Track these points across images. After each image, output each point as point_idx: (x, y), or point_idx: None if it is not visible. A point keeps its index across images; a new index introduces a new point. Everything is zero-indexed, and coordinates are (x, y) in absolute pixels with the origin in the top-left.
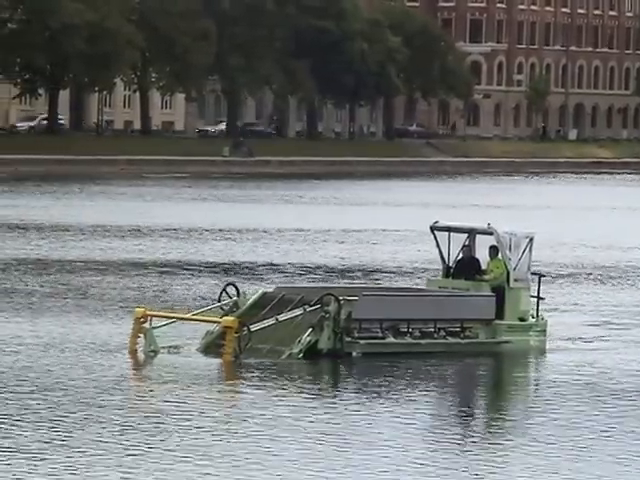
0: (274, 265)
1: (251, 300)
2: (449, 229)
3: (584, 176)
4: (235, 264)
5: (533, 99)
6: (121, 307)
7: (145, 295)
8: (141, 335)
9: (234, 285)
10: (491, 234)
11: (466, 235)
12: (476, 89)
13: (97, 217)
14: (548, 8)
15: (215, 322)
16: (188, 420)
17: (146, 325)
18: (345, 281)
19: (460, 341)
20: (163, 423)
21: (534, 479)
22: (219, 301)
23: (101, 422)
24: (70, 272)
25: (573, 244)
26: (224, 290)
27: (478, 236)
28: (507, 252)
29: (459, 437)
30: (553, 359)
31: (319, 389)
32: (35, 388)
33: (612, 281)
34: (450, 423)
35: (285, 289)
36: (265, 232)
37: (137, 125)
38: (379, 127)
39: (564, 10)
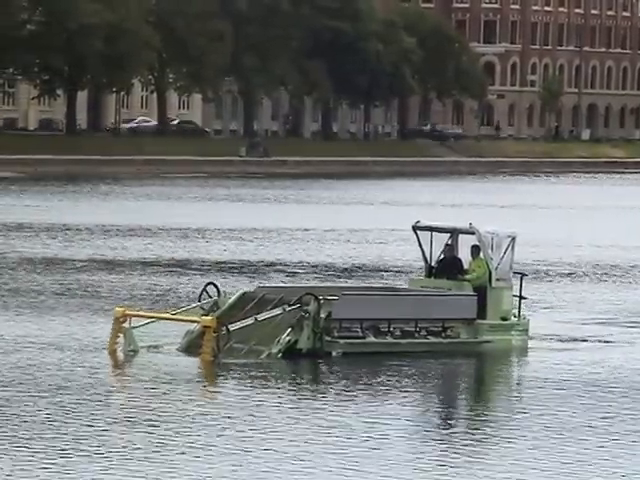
0: (280, 264)
1: (231, 300)
2: (431, 229)
3: (596, 175)
4: (242, 263)
5: (546, 99)
6: (127, 306)
7: (152, 294)
8: (121, 335)
9: (214, 285)
10: (473, 234)
11: (448, 235)
12: (490, 89)
13: (106, 217)
14: (561, 9)
15: (194, 322)
16: (166, 419)
17: (125, 325)
18: (350, 280)
19: (441, 341)
20: (141, 423)
21: (517, 476)
22: (199, 301)
23: (78, 422)
24: (78, 271)
25: (577, 243)
26: (204, 290)
27: (461, 236)
28: (489, 252)
29: (441, 436)
30: (535, 358)
31: (298, 389)
32: (14, 387)
33: (613, 280)
34: (431, 422)
35: (265, 289)
36: (273, 231)
37: None
38: (394, 127)
39: (577, 11)
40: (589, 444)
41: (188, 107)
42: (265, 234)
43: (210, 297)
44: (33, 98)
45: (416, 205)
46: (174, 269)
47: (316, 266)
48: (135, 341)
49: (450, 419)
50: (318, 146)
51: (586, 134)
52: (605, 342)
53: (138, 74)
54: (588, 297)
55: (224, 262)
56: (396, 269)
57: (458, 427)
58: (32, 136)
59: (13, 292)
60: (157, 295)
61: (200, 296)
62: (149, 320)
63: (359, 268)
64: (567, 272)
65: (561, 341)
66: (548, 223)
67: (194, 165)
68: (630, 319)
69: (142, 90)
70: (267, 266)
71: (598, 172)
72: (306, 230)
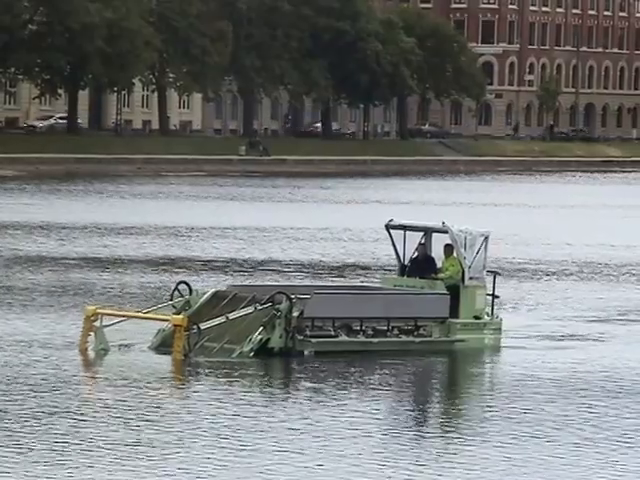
0: (271, 262)
1: (203, 298)
2: (404, 227)
3: (592, 175)
4: (233, 261)
5: (544, 99)
6: (120, 304)
7: (144, 292)
8: (91, 333)
9: (186, 283)
10: (446, 232)
11: (422, 233)
12: (488, 89)
13: (101, 215)
14: (559, 9)
15: (165, 320)
16: (136, 418)
17: (97, 323)
18: (340, 279)
19: (414, 339)
20: (111, 422)
21: (490, 475)
22: (171, 299)
23: (48, 421)
24: (71, 270)
25: (568, 242)
26: (176, 288)
27: (434, 234)
28: (462, 250)
29: (413, 436)
30: (507, 357)
31: (270, 388)
32: None
33: (601, 279)
34: (404, 422)
35: (238, 287)
36: (266, 230)
37: (155, 125)
38: (393, 127)
39: (575, 11)
40: (563, 443)
41: (188, 106)
42: (258, 232)
43: (182, 296)
44: (34, 97)
45: (412, 204)
46: (167, 267)
47: (307, 264)
48: (106, 340)
49: (422, 418)
50: (317, 145)
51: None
52: (584, 340)
53: (139, 73)
54: (574, 295)
55: (216, 260)
56: (389, 268)
57: (430, 426)
58: (33, 135)
59: (5, 289)
60: (149, 293)
61: (172, 295)
62: (120, 318)
63: (350, 266)
64: (555, 270)
65: (538, 340)
66: (540, 222)
67: (194, 164)
68: (614, 317)
69: (143, 89)
70: (259, 264)
71: (595, 171)
72: (299, 229)
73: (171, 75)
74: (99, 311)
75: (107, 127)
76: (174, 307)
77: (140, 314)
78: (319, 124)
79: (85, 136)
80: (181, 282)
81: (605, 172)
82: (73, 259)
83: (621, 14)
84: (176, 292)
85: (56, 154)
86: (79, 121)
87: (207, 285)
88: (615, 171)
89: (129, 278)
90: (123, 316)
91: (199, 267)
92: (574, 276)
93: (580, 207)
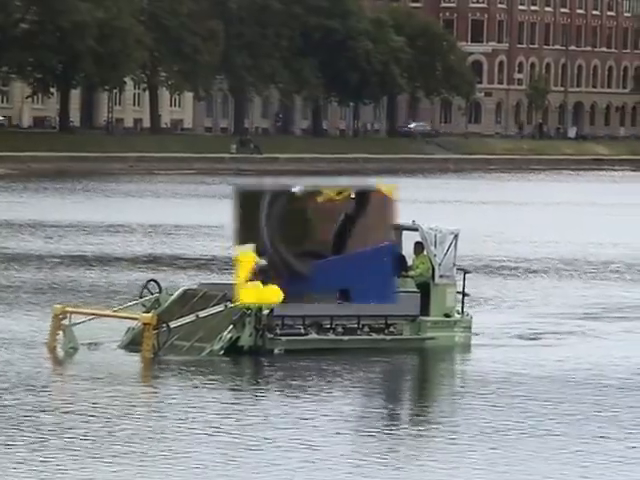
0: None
1: (173, 297)
2: None
3: (581, 173)
4: (217, 259)
5: (533, 98)
6: (107, 303)
7: (133, 290)
8: (60, 332)
9: (156, 281)
10: (416, 230)
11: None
12: (477, 88)
13: (89, 214)
14: (548, 9)
15: (134, 319)
16: (104, 417)
17: (65, 322)
18: None
19: (384, 337)
20: (79, 420)
21: (459, 474)
22: (141, 297)
23: (17, 420)
24: (58, 268)
25: (553, 239)
26: (145, 287)
27: (404, 232)
28: (432, 248)
29: (383, 434)
30: (477, 355)
31: (240, 386)
32: None
33: (584, 276)
34: (374, 420)
35: (207, 286)
36: None
37: (146, 123)
38: (382, 125)
39: (563, 10)
40: (532, 441)
41: (179, 105)
42: None
43: (152, 294)
44: (27, 96)
45: (402, 202)
46: (153, 265)
47: None
48: (75, 338)
49: (392, 417)
50: (308, 143)
51: (572, 132)
52: (564, 338)
53: (130, 72)
54: (556, 293)
55: (201, 258)
56: None
57: (400, 425)
58: (26, 133)
59: None
60: (136, 291)
61: (141, 293)
62: (89, 317)
63: None
64: (538, 268)
65: (509, 338)
66: (526, 219)
67: (186, 162)
68: (596, 315)
69: (134, 88)
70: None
71: (583, 169)
72: None
73: (162, 74)
74: (67, 309)
75: (99, 125)
76: (144, 305)
77: (109, 312)
78: (413, 124)
79: (77, 134)
80: (150, 280)
81: (594, 170)
82: (59, 257)
83: (609, 13)
84: (145, 290)
85: (48, 152)
86: (71, 120)
87: (195, 284)
88: (604, 169)
89: (115, 276)
90: (92, 314)
91: (185, 265)
92: (557, 273)
93: (566, 204)
